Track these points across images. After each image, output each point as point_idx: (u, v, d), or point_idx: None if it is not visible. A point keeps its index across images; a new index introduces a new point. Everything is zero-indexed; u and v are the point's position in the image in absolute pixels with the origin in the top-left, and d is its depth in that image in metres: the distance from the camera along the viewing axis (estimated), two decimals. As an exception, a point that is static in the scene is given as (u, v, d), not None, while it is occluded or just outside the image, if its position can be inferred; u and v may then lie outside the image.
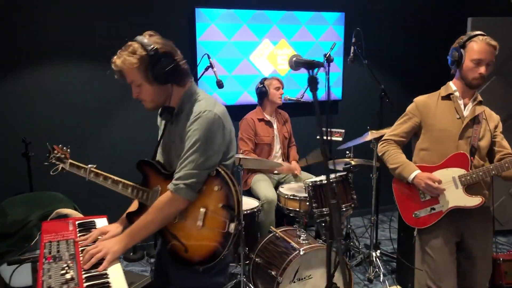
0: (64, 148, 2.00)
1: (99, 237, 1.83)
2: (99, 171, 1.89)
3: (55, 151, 1.98)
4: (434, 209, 2.28)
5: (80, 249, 1.74)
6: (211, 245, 1.66)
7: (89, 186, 3.26)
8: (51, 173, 1.96)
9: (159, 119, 1.90)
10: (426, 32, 4.81)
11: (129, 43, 1.66)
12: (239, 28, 4.04)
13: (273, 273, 2.71)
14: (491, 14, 4.12)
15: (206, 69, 3.23)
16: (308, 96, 3.36)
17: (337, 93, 4.50)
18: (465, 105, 2.28)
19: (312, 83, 1.31)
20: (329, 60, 2.70)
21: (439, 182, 2.22)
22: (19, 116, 3.54)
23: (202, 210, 1.67)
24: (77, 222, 2.06)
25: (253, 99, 4.00)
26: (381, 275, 3.38)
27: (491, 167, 2.16)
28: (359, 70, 4.27)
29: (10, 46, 3.45)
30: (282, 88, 3.74)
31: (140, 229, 1.70)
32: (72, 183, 3.31)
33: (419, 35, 4.80)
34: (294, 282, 2.73)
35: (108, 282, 1.52)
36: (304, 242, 2.83)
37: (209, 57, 3.19)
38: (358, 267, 3.61)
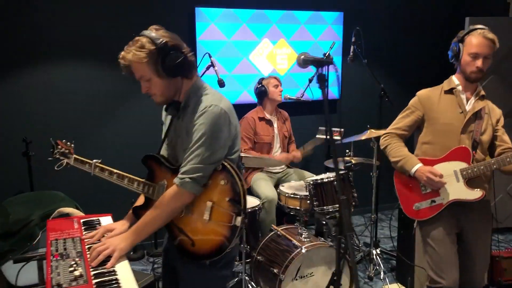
0: (68, 143, 1.99)
1: (105, 234, 1.82)
2: (104, 166, 1.90)
3: (59, 146, 1.98)
4: (434, 201, 2.30)
5: (87, 246, 1.74)
6: (218, 238, 1.67)
7: (89, 185, 3.30)
8: (55, 168, 1.96)
9: (163, 114, 1.90)
10: (425, 31, 4.84)
11: (136, 38, 1.65)
12: (238, 28, 4.05)
13: (275, 270, 2.72)
14: (490, 14, 4.15)
15: (207, 68, 3.23)
16: (307, 96, 3.36)
17: (334, 92, 4.51)
18: (467, 99, 2.29)
19: (321, 81, 1.31)
20: (329, 60, 2.70)
21: (441, 176, 2.24)
22: (19, 116, 3.52)
23: (209, 204, 1.68)
24: (82, 220, 2.06)
25: (252, 98, 4.01)
26: (381, 273, 3.39)
27: (492, 161, 2.18)
28: (358, 70, 4.30)
29: (10, 46, 3.44)
30: (281, 86, 3.76)
31: (146, 224, 1.71)
32: (72, 183, 3.32)
33: (417, 35, 4.82)
34: (296, 279, 2.73)
35: (117, 279, 1.52)
36: (305, 240, 2.84)
37: (210, 56, 3.19)
38: (358, 265, 3.62)
